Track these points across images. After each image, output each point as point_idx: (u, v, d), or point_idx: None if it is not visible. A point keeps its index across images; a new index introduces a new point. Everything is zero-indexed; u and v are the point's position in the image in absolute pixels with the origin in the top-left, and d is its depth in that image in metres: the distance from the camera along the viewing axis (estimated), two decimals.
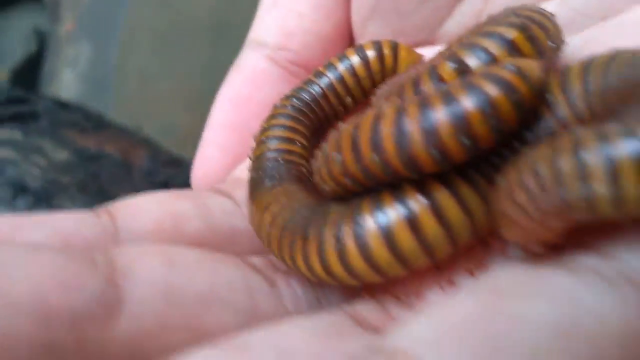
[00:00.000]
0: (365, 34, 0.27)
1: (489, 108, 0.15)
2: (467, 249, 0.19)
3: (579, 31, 0.23)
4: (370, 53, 0.25)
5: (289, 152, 0.24)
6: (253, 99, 0.27)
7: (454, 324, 0.14)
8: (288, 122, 0.24)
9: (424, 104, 0.16)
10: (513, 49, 0.18)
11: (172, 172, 0.60)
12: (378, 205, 0.17)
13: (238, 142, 0.27)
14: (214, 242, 0.23)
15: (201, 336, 0.18)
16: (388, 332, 0.15)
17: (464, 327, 0.14)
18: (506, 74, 0.16)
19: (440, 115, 0.16)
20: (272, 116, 0.25)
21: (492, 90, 0.16)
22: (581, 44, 0.22)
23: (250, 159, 0.25)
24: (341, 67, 0.25)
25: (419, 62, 0.25)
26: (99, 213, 0.22)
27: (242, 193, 0.25)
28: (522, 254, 0.17)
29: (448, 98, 0.16)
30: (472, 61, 0.18)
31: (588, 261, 0.15)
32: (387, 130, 0.17)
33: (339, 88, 0.25)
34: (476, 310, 0.14)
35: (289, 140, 0.24)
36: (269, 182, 0.23)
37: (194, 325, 0.18)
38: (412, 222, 0.17)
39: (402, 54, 0.25)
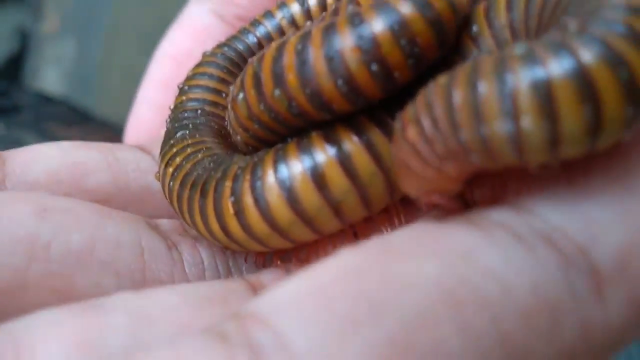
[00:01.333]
0: None
1: (400, 27, 0.13)
2: (389, 216, 0.16)
3: None
4: (312, 1, 0.22)
5: (213, 103, 0.22)
6: (194, 55, 0.25)
7: (321, 286, 0.12)
8: (216, 72, 0.23)
9: (329, 29, 0.15)
10: None
11: None
12: (281, 156, 0.15)
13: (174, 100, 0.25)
14: (118, 199, 0.21)
15: (71, 298, 0.16)
16: (256, 298, 0.13)
17: (332, 288, 0.12)
18: None
19: (344, 38, 0.14)
20: (200, 64, 0.23)
21: (404, 7, 0.14)
22: None
23: (169, 109, 0.23)
24: (280, 15, 0.22)
25: None
26: None
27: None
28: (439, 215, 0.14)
29: (354, 19, 0.14)
30: None
31: (500, 217, 0.13)
32: (289, 59, 0.15)
33: (277, 38, 0.21)
34: (353, 269, 0.12)
35: (215, 91, 0.23)
36: (180, 133, 0.21)
37: (60, 286, 0.16)
38: (316, 175, 0.15)
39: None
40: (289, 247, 0.17)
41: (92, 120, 0.56)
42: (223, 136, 0.21)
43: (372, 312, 0.11)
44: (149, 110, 0.27)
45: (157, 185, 0.22)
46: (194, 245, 0.20)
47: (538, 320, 0.10)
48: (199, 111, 0.22)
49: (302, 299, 0.12)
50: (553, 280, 0.11)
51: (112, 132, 0.58)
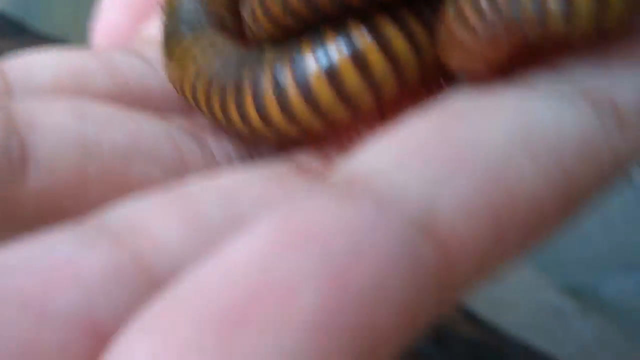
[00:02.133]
0: None
1: None
2: (415, 96, 0.16)
3: None
4: None
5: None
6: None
7: (413, 146, 0.13)
8: None
9: None
10: None
11: None
12: (320, 42, 0.15)
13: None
14: (126, 101, 0.20)
15: (125, 192, 0.16)
16: (337, 166, 0.13)
17: (426, 148, 0.13)
18: None
19: None
20: None
21: None
22: None
23: (162, 8, 0.22)
24: None
25: None
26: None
27: (154, 52, 0.22)
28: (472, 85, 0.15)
29: None
30: None
31: (542, 77, 0.15)
32: None
33: None
34: (434, 132, 0.13)
35: None
36: (188, 32, 0.20)
37: (116, 180, 0.17)
38: (357, 58, 0.15)
39: None
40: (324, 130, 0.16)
41: (31, 34, 0.48)
42: (227, 31, 0.20)
43: (469, 160, 0.12)
44: (118, 8, 0.25)
45: (158, 85, 0.21)
46: (216, 136, 0.20)
47: (587, 156, 0.13)
48: (200, 7, 0.20)
49: (402, 160, 0.12)
50: (593, 126, 0.14)
51: (51, 45, 0.50)
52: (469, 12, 0.14)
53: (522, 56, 0.15)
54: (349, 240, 0.10)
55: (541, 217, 0.13)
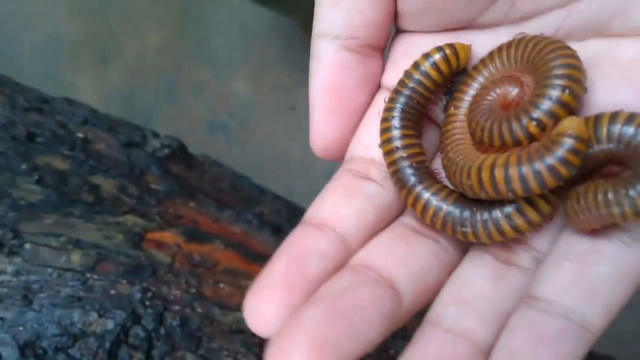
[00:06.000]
0: (412, 22, 0.33)
1: (567, 162, 0.25)
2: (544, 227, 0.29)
3: (579, 41, 0.29)
4: (437, 56, 0.31)
5: (415, 154, 0.30)
6: (344, 85, 0.32)
7: (569, 281, 0.26)
8: (403, 131, 0.31)
9: (531, 159, 0.25)
10: (564, 106, 0.26)
11: (38, 120, 0.50)
12: (505, 209, 0.28)
13: (342, 122, 0.33)
14: (384, 223, 0.30)
15: None
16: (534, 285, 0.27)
17: (575, 283, 0.26)
18: (571, 142, 0.25)
19: (543, 165, 0.25)
20: (387, 128, 0.31)
21: (564, 153, 0.25)
22: (588, 55, 0.28)
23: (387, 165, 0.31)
24: (418, 74, 0.31)
25: (470, 54, 0.31)
26: (315, 227, 0.28)
27: (376, 172, 0.31)
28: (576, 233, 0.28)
29: (544, 155, 0.25)
30: (544, 117, 0.26)
31: (616, 235, 0.27)
32: (513, 174, 0.26)
33: (420, 89, 0.31)
34: (576, 271, 0.26)
35: (411, 146, 0.30)
36: (414, 180, 0.30)
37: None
38: (521, 211, 0.28)
39: (461, 53, 0.30)
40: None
41: None
42: (433, 177, 0.31)
43: (599, 290, 0.26)
44: (328, 129, 0.33)
45: (389, 199, 0.31)
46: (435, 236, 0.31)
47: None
48: (413, 164, 0.31)
49: (570, 290, 0.27)
50: None
51: None
52: (586, 206, 0.26)
53: (608, 226, 0.27)
54: (556, 343, 0.25)
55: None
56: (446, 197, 0.29)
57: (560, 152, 0.25)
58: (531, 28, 0.29)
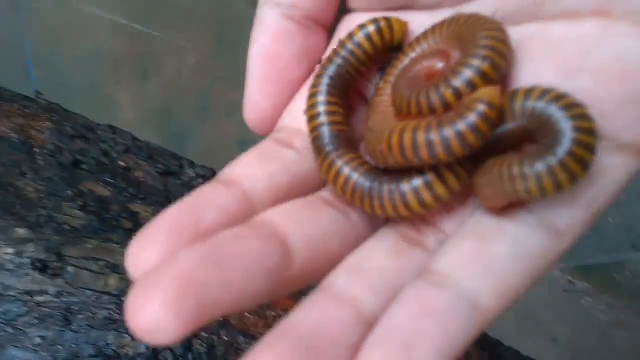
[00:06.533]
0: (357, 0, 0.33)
1: (476, 129, 0.24)
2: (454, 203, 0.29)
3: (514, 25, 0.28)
4: (371, 28, 0.31)
5: (337, 123, 0.30)
6: (283, 54, 0.32)
7: (467, 259, 0.25)
8: (329, 98, 0.30)
9: (441, 124, 0.25)
10: (483, 76, 0.26)
11: (84, 147, 0.54)
12: (413, 177, 0.27)
13: (278, 92, 0.32)
14: (298, 192, 0.29)
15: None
16: (432, 259, 0.26)
17: (472, 261, 0.25)
18: (483, 108, 0.24)
19: (452, 131, 0.24)
20: (314, 94, 0.31)
21: (475, 119, 0.24)
22: (519, 38, 0.28)
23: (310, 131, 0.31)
24: (351, 44, 0.31)
25: (406, 31, 0.31)
26: (222, 184, 0.27)
27: (300, 141, 0.31)
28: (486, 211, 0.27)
29: (459, 121, 0.25)
30: (462, 87, 0.26)
31: (522, 216, 0.26)
32: (421, 139, 0.25)
33: (352, 60, 0.31)
34: (474, 251, 0.25)
35: (335, 113, 0.30)
36: (330, 148, 0.29)
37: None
38: (429, 185, 0.27)
39: (396, 28, 0.30)
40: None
41: None
42: (352, 146, 0.31)
43: (492, 272, 0.26)
44: (261, 100, 0.32)
45: (308, 169, 0.31)
46: (349, 209, 0.30)
47: (540, 262, 0.26)
48: (333, 131, 0.30)
49: (466, 266, 0.25)
50: (545, 242, 0.26)
51: (24, 110, 0.51)
52: (495, 180, 0.25)
53: (515, 205, 0.26)
54: (441, 318, 0.23)
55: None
56: (358, 166, 0.28)
57: (471, 118, 0.24)
58: (469, 10, 0.29)
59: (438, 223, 0.28)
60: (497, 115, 0.24)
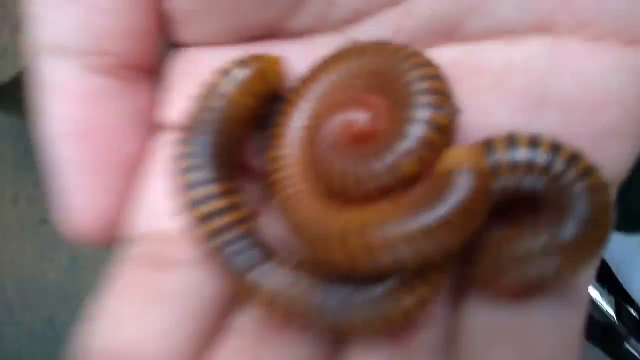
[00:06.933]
0: (190, 29, 0.23)
1: (468, 211, 0.19)
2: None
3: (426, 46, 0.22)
4: (242, 74, 0.22)
5: (241, 220, 0.21)
6: (106, 126, 0.22)
7: None
8: (220, 186, 0.21)
9: (417, 213, 0.19)
10: (440, 130, 0.20)
11: None
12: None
13: (114, 182, 0.22)
14: (213, 327, 0.20)
15: None
16: None
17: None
18: (470, 176, 0.19)
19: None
20: (191, 184, 0.21)
21: (466, 193, 0.19)
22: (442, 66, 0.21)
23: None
24: (217, 99, 0.22)
25: (281, 71, 0.22)
26: None
27: (181, 252, 0.21)
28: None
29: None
30: (419, 148, 0.20)
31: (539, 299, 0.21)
32: (395, 236, 0.18)
33: (226, 122, 0.22)
34: (519, 350, 0.20)
35: (236, 206, 0.21)
36: (253, 262, 0.21)
37: None
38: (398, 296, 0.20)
39: (273, 68, 0.22)
40: None
41: None
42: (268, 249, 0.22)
43: None
44: (88, 198, 0.21)
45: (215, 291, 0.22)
46: None
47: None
48: (239, 235, 0.21)
49: None
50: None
51: None
52: (500, 267, 0.20)
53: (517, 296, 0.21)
54: None
55: None
56: (308, 279, 0.20)
57: (460, 192, 0.18)
58: (358, 34, 0.22)
59: (416, 322, 0.21)
60: (487, 179, 0.19)
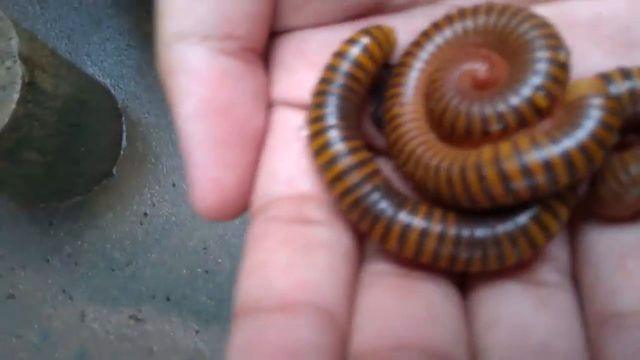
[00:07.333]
0: (301, 12, 0.25)
1: (607, 128, 0.20)
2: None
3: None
4: (366, 40, 0.24)
5: (374, 172, 0.22)
6: (235, 103, 0.23)
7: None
8: (350, 144, 0.22)
9: (553, 139, 0.20)
10: (564, 68, 0.21)
11: None
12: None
13: (241, 156, 0.23)
14: (354, 276, 0.22)
15: None
16: None
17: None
18: (600, 101, 0.20)
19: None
20: (324, 145, 0.22)
21: (601, 115, 0.20)
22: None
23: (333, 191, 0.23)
24: (347, 65, 0.24)
25: (395, 39, 0.24)
26: (273, 314, 0.19)
27: (317, 211, 0.22)
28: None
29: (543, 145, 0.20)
30: (549, 84, 0.21)
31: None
32: (534, 162, 0.19)
33: (354, 85, 0.24)
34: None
35: (367, 162, 0.22)
36: (391, 208, 0.22)
37: None
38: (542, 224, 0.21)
39: (390, 37, 0.24)
40: None
41: None
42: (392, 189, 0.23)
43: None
44: (217, 172, 0.22)
45: (345, 237, 0.23)
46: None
47: None
48: (367, 178, 0.23)
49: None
50: None
51: None
52: (618, 189, 0.21)
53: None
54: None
55: None
56: (443, 220, 0.21)
57: (596, 114, 0.20)
58: (453, 6, 0.24)
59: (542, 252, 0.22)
60: (617, 109, 0.20)
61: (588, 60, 0.23)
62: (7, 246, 0.76)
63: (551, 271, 0.22)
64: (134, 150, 0.76)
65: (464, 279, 0.23)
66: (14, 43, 0.49)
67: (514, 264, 0.21)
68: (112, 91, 0.75)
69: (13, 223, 0.75)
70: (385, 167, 0.24)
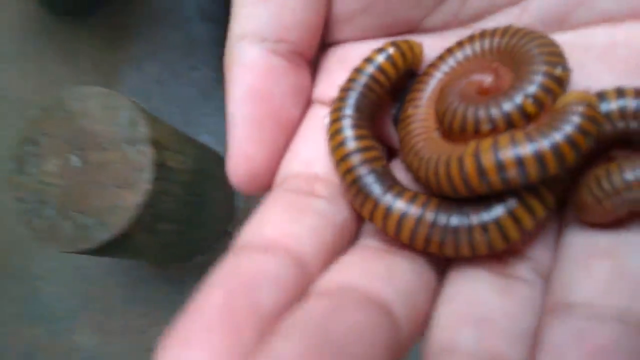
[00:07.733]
0: (348, 26, 0.29)
1: (583, 133, 0.21)
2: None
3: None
4: (392, 50, 0.27)
5: (375, 158, 0.25)
6: (274, 93, 0.27)
7: (610, 279, 0.21)
8: (359, 132, 0.26)
9: (530, 138, 0.21)
10: (558, 82, 0.23)
11: None
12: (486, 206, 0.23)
13: (272, 138, 0.27)
14: (341, 245, 0.24)
15: None
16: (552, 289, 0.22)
17: (615, 280, 0.21)
18: (583, 109, 0.21)
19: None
20: (338, 130, 0.26)
21: (579, 121, 0.21)
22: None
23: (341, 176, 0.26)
24: (371, 68, 0.27)
25: (422, 53, 0.28)
26: (261, 250, 0.21)
27: (323, 188, 0.26)
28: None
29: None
30: (540, 93, 0.23)
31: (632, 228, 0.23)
32: (507, 157, 0.21)
33: (374, 86, 0.27)
34: (613, 267, 0.21)
35: (370, 148, 0.26)
36: (380, 189, 0.25)
37: None
38: (515, 216, 0.23)
39: (416, 50, 0.27)
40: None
41: None
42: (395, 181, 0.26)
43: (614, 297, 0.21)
44: (252, 147, 0.26)
45: (344, 216, 0.26)
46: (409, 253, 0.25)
47: None
48: (372, 169, 0.25)
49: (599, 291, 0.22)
50: None
51: None
52: (598, 191, 0.23)
53: (620, 219, 0.23)
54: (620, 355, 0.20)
55: None
56: (424, 204, 0.24)
57: (575, 120, 0.21)
58: (480, 29, 0.26)
59: (522, 250, 0.24)
60: (599, 115, 0.22)
61: (601, 82, 0.24)
62: (149, 303, 0.82)
63: (527, 270, 0.23)
64: (247, 209, 0.80)
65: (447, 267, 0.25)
66: (143, 129, 0.54)
67: (487, 253, 0.23)
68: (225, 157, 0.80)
69: (151, 283, 0.82)
70: (399, 166, 0.27)
